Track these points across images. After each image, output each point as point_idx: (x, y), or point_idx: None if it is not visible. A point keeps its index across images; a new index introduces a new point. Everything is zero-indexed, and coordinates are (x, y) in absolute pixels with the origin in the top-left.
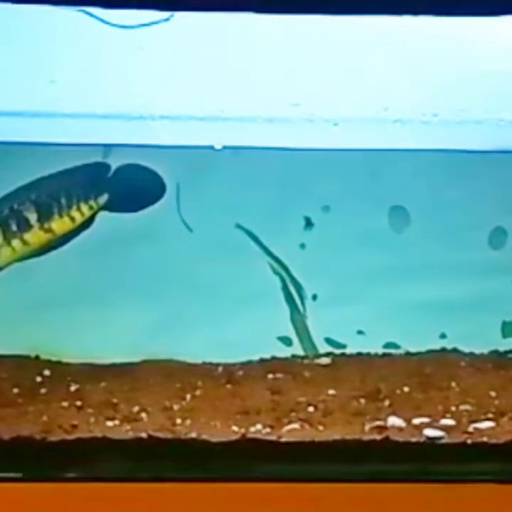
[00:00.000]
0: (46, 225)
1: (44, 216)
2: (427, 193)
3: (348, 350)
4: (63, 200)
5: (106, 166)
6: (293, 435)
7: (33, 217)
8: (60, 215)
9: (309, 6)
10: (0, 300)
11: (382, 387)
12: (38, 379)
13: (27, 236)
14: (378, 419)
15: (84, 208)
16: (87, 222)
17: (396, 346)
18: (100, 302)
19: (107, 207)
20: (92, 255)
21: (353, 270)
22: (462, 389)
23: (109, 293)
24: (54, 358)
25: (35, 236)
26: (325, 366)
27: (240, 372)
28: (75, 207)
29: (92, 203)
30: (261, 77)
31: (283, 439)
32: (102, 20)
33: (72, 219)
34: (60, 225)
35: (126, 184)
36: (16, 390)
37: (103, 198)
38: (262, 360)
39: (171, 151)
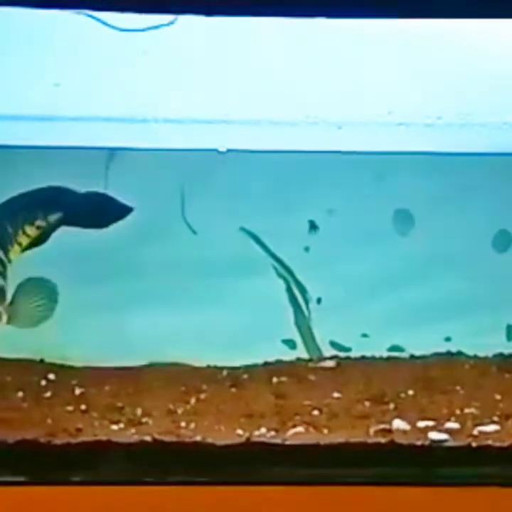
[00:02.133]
0: (8, 258)
1: (5, 251)
2: (431, 196)
3: (352, 354)
4: (9, 229)
5: (56, 189)
6: (298, 438)
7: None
8: (11, 244)
9: (313, 9)
10: None
11: (386, 390)
12: (43, 382)
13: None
14: (383, 423)
15: (31, 230)
16: (36, 241)
17: (401, 349)
18: (105, 305)
19: (65, 222)
20: (95, 259)
21: (358, 273)
22: (467, 392)
23: (114, 296)
24: (58, 362)
25: (6, 270)
26: (330, 369)
27: (245, 376)
28: (20, 231)
29: (39, 222)
30: (265, 81)
31: (288, 443)
32: (106, 23)
33: (20, 244)
34: (13, 253)
35: (81, 202)
36: (20, 394)
37: (55, 216)
38: (267, 364)
39: (175, 154)
